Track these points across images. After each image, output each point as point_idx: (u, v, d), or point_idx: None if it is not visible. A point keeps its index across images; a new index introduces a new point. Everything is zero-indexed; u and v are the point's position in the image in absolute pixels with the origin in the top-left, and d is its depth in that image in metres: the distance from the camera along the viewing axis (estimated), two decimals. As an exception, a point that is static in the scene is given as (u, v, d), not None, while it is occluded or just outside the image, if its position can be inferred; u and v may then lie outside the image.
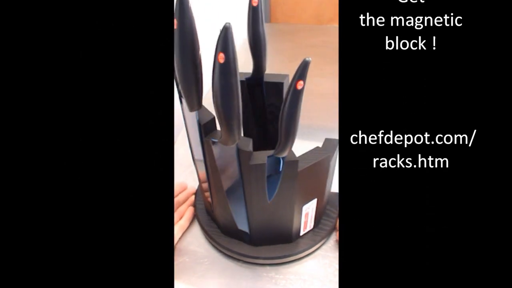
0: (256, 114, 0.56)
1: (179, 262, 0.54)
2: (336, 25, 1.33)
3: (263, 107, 0.55)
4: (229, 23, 0.30)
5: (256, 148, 0.44)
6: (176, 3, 0.31)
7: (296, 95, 0.35)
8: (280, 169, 0.43)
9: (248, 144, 0.43)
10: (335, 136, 0.74)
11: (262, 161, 0.43)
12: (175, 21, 0.32)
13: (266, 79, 0.52)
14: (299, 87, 0.34)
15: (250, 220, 0.50)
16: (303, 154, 0.46)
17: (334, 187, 0.59)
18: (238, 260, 0.54)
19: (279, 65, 1.01)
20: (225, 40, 0.31)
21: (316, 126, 0.81)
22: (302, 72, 0.34)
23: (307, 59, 0.33)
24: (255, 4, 0.44)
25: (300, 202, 0.49)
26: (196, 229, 0.60)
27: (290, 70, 1.04)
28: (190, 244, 0.57)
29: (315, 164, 0.45)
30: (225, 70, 0.33)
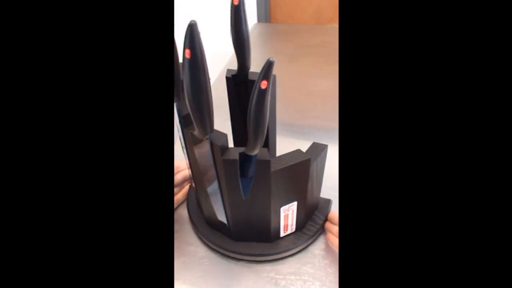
0: (242, 110, 0.56)
1: (179, 262, 0.54)
2: (336, 25, 1.33)
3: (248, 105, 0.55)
4: (195, 21, 0.32)
5: (243, 144, 0.44)
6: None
7: (261, 94, 0.36)
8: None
9: (221, 139, 0.43)
10: (335, 136, 0.74)
11: (234, 156, 0.43)
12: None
13: (251, 77, 0.52)
14: (263, 86, 0.35)
15: (228, 213, 0.51)
16: (281, 155, 0.46)
17: (327, 193, 0.59)
18: (218, 252, 0.55)
19: (279, 65, 1.01)
20: (191, 36, 0.32)
21: (316, 126, 0.81)
22: (266, 72, 0.35)
23: (270, 59, 0.34)
24: (236, 3, 0.44)
25: (277, 203, 0.49)
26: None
27: (290, 70, 1.05)
28: (190, 244, 0.57)
29: (291, 166, 0.45)
30: (192, 65, 0.34)
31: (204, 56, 0.35)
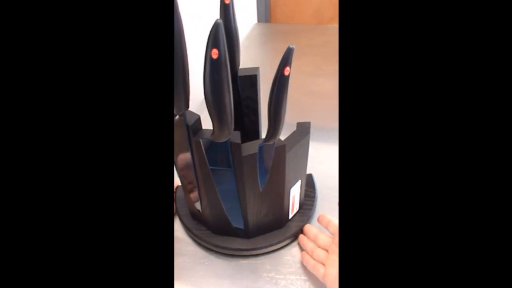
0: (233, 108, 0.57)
1: (179, 262, 0.54)
2: (336, 25, 1.33)
3: (238, 101, 0.56)
4: (220, 20, 0.31)
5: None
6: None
7: (283, 81, 0.37)
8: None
9: (237, 137, 0.44)
10: (335, 136, 0.74)
11: (253, 151, 0.44)
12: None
13: (239, 73, 0.53)
14: (286, 73, 0.36)
15: (244, 213, 0.51)
16: (283, 140, 0.48)
17: (327, 193, 0.61)
18: (234, 256, 0.54)
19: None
20: (216, 36, 0.32)
21: (316, 126, 0.81)
22: (287, 58, 0.35)
23: (291, 46, 0.35)
24: (227, 2, 0.45)
25: (288, 185, 0.50)
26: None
27: (290, 70, 1.03)
28: (190, 244, 0.57)
29: (298, 146, 0.47)
30: (217, 65, 0.34)
31: (227, 56, 0.34)
